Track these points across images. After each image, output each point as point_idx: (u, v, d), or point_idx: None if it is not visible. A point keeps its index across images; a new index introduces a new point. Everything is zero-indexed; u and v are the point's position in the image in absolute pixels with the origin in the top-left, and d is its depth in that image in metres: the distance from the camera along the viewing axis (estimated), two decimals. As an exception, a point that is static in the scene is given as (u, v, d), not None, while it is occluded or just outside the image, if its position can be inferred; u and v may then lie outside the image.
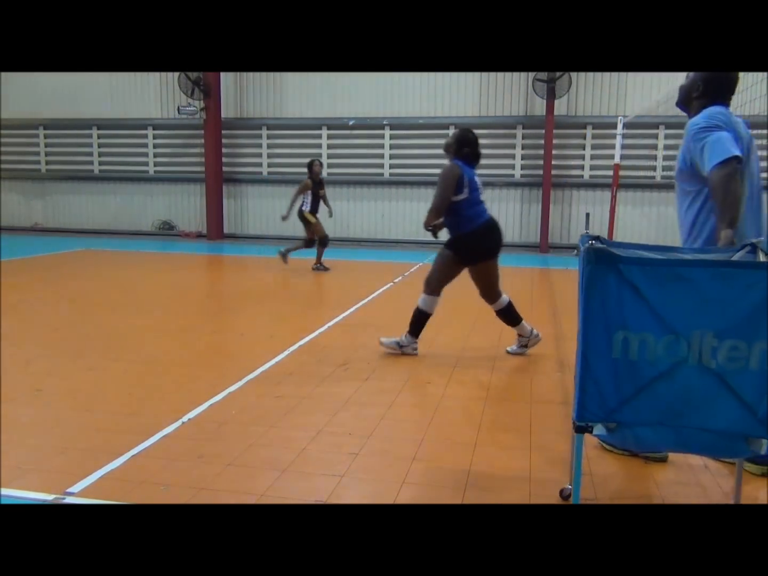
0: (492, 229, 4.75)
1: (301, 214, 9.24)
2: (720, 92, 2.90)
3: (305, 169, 14.43)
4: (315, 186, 9.29)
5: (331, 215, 9.59)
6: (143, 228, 14.69)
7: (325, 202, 9.46)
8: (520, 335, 5.02)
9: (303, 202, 9.25)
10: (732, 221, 2.64)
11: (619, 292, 2.06)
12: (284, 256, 9.39)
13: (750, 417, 2.03)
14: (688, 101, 3.01)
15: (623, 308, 2.06)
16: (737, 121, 2.85)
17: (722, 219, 2.66)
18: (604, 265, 2.07)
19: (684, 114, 3.09)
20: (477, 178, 4.74)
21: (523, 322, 4.97)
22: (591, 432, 2.22)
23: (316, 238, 9.29)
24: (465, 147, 4.71)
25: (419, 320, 4.90)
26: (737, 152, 2.65)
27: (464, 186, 4.60)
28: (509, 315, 4.94)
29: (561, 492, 2.71)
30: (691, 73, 3.02)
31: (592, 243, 2.16)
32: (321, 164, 9.59)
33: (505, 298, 4.94)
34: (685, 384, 2.05)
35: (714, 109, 2.83)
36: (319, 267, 9.38)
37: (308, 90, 13.67)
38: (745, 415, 2.03)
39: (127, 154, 14.76)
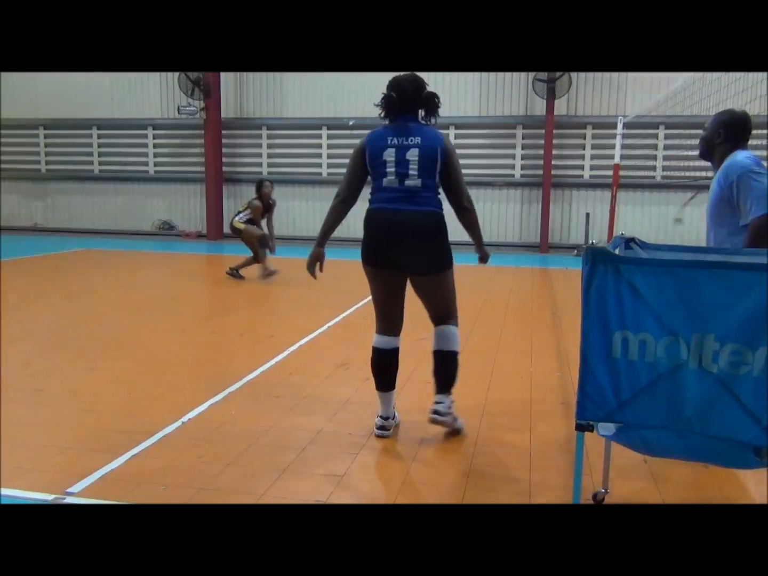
0: (371, 222, 3.26)
1: (231, 225, 8.64)
2: (741, 135, 3.10)
3: (305, 169, 14.30)
4: (264, 211, 8.61)
5: (272, 251, 8.61)
6: (143, 228, 14.68)
7: (269, 228, 8.71)
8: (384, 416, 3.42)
9: (240, 214, 8.61)
10: None
11: (618, 291, 2.06)
12: (234, 273, 8.60)
13: (754, 426, 1.99)
14: (711, 149, 3.17)
15: (622, 308, 2.06)
16: None
17: None
18: (603, 265, 2.07)
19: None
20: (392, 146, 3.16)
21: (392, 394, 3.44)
22: (592, 430, 2.22)
23: (252, 248, 8.52)
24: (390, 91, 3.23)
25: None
26: None
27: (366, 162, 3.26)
28: (443, 373, 3.48)
29: (595, 496, 2.68)
30: (708, 124, 3.19)
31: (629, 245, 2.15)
32: (271, 185, 8.79)
33: (441, 334, 3.46)
34: (686, 388, 2.04)
35: (750, 154, 3.02)
36: (234, 273, 8.50)
37: (308, 90, 13.66)
38: (749, 424, 1.99)
39: (127, 154, 14.76)
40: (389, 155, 3.15)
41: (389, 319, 3.39)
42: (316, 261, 3.39)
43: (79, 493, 2.69)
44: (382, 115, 3.24)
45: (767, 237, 2.87)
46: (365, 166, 3.24)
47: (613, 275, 2.06)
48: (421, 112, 3.23)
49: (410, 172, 3.12)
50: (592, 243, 2.31)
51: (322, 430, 3.44)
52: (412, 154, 3.12)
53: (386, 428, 3.39)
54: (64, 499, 2.65)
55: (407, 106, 3.17)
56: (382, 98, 3.20)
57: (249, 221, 8.56)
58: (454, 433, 3.42)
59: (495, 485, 2.87)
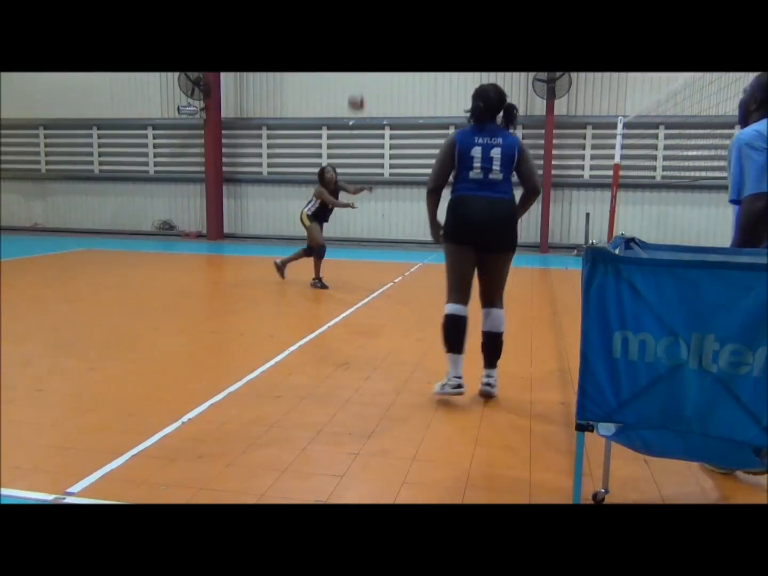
0: (459, 205, 3.80)
1: (300, 217, 8.20)
2: None
3: (305, 169, 14.26)
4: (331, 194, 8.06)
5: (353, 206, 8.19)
6: (143, 228, 14.68)
7: (352, 189, 8.24)
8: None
9: (309, 205, 8.12)
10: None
11: (618, 291, 2.06)
12: (280, 268, 8.41)
13: (754, 426, 1.99)
14: (748, 115, 2.81)
15: (622, 308, 2.06)
16: None
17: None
18: (603, 265, 2.06)
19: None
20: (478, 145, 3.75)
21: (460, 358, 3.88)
22: (592, 430, 2.22)
23: (312, 247, 8.11)
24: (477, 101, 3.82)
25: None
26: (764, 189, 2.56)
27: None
28: (491, 350, 4.05)
29: (594, 496, 2.67)
30: (748, 86, 2.84)
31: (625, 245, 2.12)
32: (334, 171, 8.17)
33: (491, 317, 4.00)
34: (686, 388, 2.04)
35: (763, 125, 2.65)
36: (316, 283, 8.04)
37: (308, 90, 13.66)
38: (749, 424, 1.99)
39: (127, 154, 14.75)
40: (476, 152, 3.74)
41: (465, 290, 3.90)
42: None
43: (79, 493, 2.69)
44: (471, 120, 3.85)
45: (749, 220, 2.58)
46: (453, 159, 3.78)
47: (614, 275, 2.05)
48: (500, 119, 3.86)
49: (493, 167, 3.74)
50: (592, 243, 2.30)
51: (322, 430, 3.44)
52: (495, 152, 3.74)
53: (462, 386, 3.84)
54: (64, 499, 2.64)
55: (491, 112, 3.81)
56: (472, 108, 3.82)
57: (317, 213, 8.08)
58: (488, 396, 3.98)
59: (495, 485, 2.87)
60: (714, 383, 2.00)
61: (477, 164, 3.73)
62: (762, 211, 2.59)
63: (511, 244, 3.92)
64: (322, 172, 8.16)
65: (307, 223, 8.10)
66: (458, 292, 3.89)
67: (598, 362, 2.10)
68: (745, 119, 2.84)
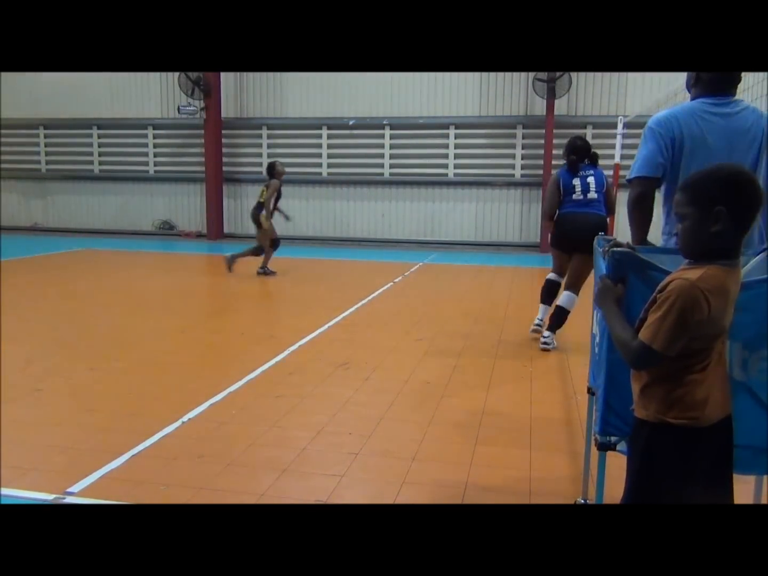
0: (564, 221, 5.24)
1: (256, 217, 8.55)
2: (717, 80, 2.69)
3: (305, 169, 14.33)
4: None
5: (288, 218, 8.94)
6: (143, 228, 14.68)
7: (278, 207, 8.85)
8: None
9: (262, 208, 8.52)
10: (638, 242, 2.67)
11: (646, 299, 1.83)
12: (230, 263, 8.69)
13: None
14: (690, 89, 2.85)
15: None
16: (711, 124, 2.65)
17: (633, 236, 2.72)
18: (632, 272, 1.93)
19: None
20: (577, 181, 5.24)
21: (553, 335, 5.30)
22: (615, 449, 2.13)
23: (264, 245, 8.65)
24: (570, 155, 5.31)
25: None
26: (647, 174, 2.64)
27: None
28: (555, 318, 5.34)
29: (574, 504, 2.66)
30: None
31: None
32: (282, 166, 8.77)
33: (563, 296, 5.29)
34: None
35: (674, 110, 2.73)
36: (266, 271, 8.69)
37: (308, 90, 13.66)
38: None
39: (127, 154, 14.76)
40: (576, 182, 5.20)
41: (561, 269, 5.38)
42: None
43: (79, 493, 2.69)
44: (566, 167, 5.28)
45: (631, 207, 2.71)
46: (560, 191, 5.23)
47: (641, 281, 1.92)
48: (586, 161, 5.28)
49: (591, 189, 5.18)
50: (615, 246, 2.17)
51: (322, 430, 3.44)
52: (591, 180, 5.20)
53: (539, 326, 5.39)
54: (64, 499, 2.65)
55: (581, 158, 5.26)
56: (567, 162, 5.28)
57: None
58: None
59: (495, 485, 2.87)
60: (742, 391, 1.94)
61: (578, 189, 5.16)
62: (640, 197, 2.66)
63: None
64: (273, 165, 8.57)
65: (266, 224, 8.50)
66: (558, 269, 5.41)
67: (625, 374, 1.90)
68: (688, 88, 2.87)
